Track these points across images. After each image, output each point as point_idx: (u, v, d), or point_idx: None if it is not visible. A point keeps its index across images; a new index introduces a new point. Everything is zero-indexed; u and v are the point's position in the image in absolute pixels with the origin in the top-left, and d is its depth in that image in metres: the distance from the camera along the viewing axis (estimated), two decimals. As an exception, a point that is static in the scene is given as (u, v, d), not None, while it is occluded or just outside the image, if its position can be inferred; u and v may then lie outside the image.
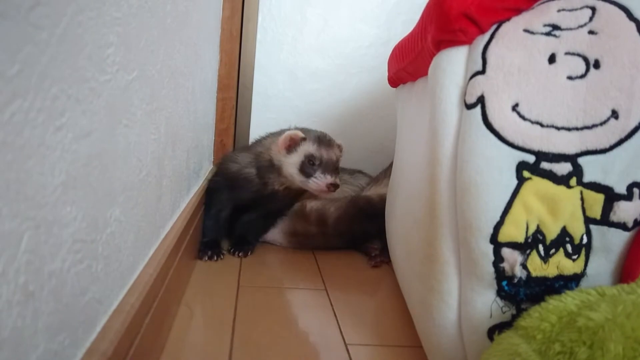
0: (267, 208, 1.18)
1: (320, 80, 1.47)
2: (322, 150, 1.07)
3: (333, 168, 1.07)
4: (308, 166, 1.05)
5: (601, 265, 0.59)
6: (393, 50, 0.99)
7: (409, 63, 0.86)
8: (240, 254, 1.12)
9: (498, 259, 0.59)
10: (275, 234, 1.22)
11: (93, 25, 0.39)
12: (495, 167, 0.57)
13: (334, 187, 1.03)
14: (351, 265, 1.15)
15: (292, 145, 1.07)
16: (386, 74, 1.06)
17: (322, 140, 1.09)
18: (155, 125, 0.65)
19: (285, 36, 1.43)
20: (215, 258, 1.09)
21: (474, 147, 0.58)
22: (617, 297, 0.50)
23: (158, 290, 0.66)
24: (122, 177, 0.51)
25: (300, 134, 1.07)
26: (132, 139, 0.54)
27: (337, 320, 0.85)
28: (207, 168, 1.34)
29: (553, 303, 0.53)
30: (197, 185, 1.15)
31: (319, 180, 1.03)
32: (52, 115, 0.33)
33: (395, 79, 1.03)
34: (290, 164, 1.07)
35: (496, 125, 0.56)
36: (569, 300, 0.53)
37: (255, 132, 1.47)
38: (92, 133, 0.41)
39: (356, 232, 1.21)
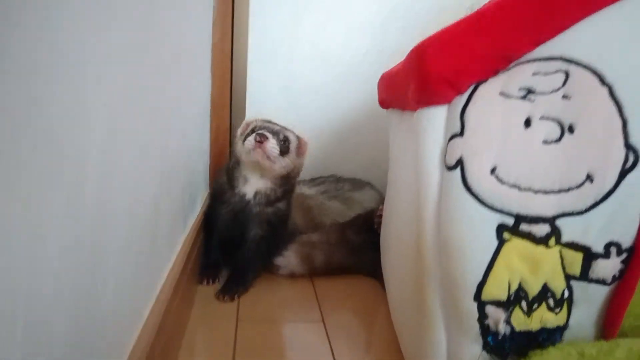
0: (249, 236, 1.15)
1: (314, 94, 1.47)
2: (262, 123, 1.11)
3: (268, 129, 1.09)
4: (248, 135, 1.07)
5: (583, 316, 0.61)
6: (381, 78, 0.99)
7: (396, 98, 0.86)
8: (225, 298, 1.05)
9: (482, 315, 0.60)
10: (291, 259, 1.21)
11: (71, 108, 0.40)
12: (476, 229, 0.58)
13: (259, 136, 1.04)
14: (350, 295, 1.16)
15: (245, 130, 1.12)
16: None
17: (269, 121, 1.13)
18: (148, 178, 0.67)
19: (277, 54, 1.43)
20: (212, 282, 1.11)
21: (455, 208, 0.59)
22: (596, 359, 0.52)
23: (159, 343, 0.68)
24: (114, 239, 0.53)
25: (254, 118, 1.11)
26: (122, 205, 0.56)
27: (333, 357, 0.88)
28: (203, 194, 1.35)
29: (534, 364, 0.55)
30: (193, 216, 1.17)
31: (250, 138, 1.05)
32: (43, 199, 0.35)
33: (385, 104, 1.03)
34: (239, 143, 1.10)
35: (475, 188, 0.57)
36: (549, 359, 0.55)
37: (251, 152, 1.48)
38: (80, 206, 0.42)
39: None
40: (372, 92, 1.47)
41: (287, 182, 1.16)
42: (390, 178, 1.06)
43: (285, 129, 1.15)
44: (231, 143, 1.47)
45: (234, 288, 1.09)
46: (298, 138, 1.15)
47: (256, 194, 1.14)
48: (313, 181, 1.47)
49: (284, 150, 1.09)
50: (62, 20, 0.38)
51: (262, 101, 1.45)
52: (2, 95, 0.29)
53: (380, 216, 1.15)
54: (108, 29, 0.49)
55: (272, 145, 1.05)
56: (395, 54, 1.43)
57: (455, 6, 1.39)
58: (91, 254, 0.47)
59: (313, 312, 1.05)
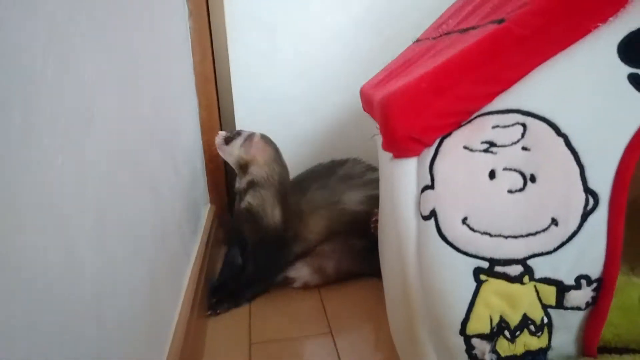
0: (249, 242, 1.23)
1: (298, 103, 1.50)
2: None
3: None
4: None
5: (564, 337, 0.65)
6: (361, 93, 1.00)
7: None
8: (209, 313, 1.13)
9: (469, 347, 0.65)
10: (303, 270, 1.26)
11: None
12: (454, 273, 0.62)
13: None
14: (357, 303, 1.21)
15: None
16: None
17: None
18: (143, 236, 0.71)
19: (260, 68, 1.45)
20: (217, 312, 1.15)
21: (434, 255, 0.63)
22: (574, 386, 0.57)
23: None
24: (113, 322, 0.58)
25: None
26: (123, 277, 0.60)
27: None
28: (204, 214, 1.40)
29: (519, 392, 0.60)
30: (196, 243, 1.21)
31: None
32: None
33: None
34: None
35: (450, 237, 0.61)
36: (532, 388, 0.59)
37: (245, 166, 1.51)
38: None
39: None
40: (352, 98, 1.49)
41: (245, 172, 1.25)
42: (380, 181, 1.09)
43: (249, 132, 1.27)
44: (225, 162, 1.50)
45: (223, 304, 1.17)
46: (250, 135, 1.25)
47: (236, 190, 1.26)
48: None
49: (227, 141, 1.24)
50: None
51: (250, 117, 1.48)
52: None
53: (376, 221, 1.18)
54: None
55: (219, 137, 1.24)
56: (370, 55, 1.45)
57: (427, 9, 1.40)
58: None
59: (322, 324, 1.11)
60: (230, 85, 1.45)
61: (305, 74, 1.47)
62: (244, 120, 1.48)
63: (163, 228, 0.86)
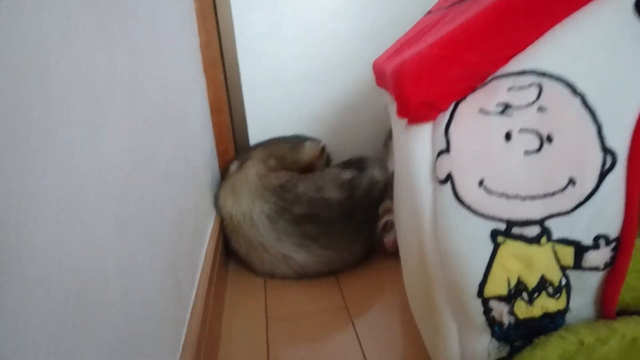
0: None
1: (306, 81, 1.50)
2: None
3: None
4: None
5: (582, 299, 0.66)
6: (374, 67, 0.99)
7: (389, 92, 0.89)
8: None
9: (487, 309, 0.65)
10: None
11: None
12: (471, 237, 0.62)
13: None
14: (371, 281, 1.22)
15: None
16: (367, 65, 1.07)
17: None
18: (158, 234, 0.72)
19: (266, 49, 1.44)
20: None
21: (450, 220, 0.63)
22: (593, 349, 0.57)
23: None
24: (136, 316, 0.59)
25: None
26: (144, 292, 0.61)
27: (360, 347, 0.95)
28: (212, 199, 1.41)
29: (538, 355, 0.61)
30: (210, 224, 1.22)
31: None
32: None
33: (382, 87, 1.05)
34: None
35: (466, 200, 0.61)
36: (552, 350, 0.60)
37: (255, 147, 1.51)
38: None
39: None
40: (360, 72, 1.50)
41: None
42: (395, 154, 1.09)
43: None
44: (235, 142, 1.51)
45: None
46: None
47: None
48: None
49: None
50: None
51: (258, 97, 1.48)
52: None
53: (384, 225, 1.19)
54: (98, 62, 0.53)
55: None
56: (376, 33, 1.45)
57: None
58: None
59: (337, 299, 1.12)
60: (238, 66, 1.45)
61: (312, 51, 1.47)
62: (252, 100, 1.48)
63: (179, 211, 0.87)
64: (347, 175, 1.26)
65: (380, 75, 0.90)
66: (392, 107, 0.91)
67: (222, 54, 1.42)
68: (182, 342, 0.76)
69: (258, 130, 1.51)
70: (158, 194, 0.72)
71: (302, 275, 1.19)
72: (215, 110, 1.46)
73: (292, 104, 1.49)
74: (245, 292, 1.18)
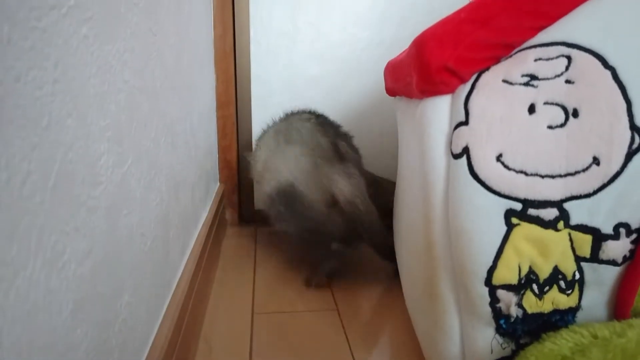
0: None
1: (317, 87, 1.48)
2: None
3: None
4: None
5: (595, 297, 0.61)
6: (387, 66, 0.99)
7: (402, 87, 0.86)
8: None
9: (494, 299, 0.61)
10: None
11: (83, 154, 0.41)
12: (484, 215, 0.59)
13: None
14: (363, 284, 1.18)
15: None
16: (382, 74, 1.06)
17: None
18: (156, 191, 0.68)
19: (280, 47, 1.43)
20: None
21: (463, 195, 0.59)
22: (609, 341, 0.53)
23: (176, 341, 0.70)
24: (128, 263, 0.54)
25: None
26: (134, 221, 0.57)
27: (349, 347, 0.89)
28: (213, 189, 1.37)
29: (548, 346, 0.56)
30: (205, 211, 1.18)
31: None
32: (55, 263, 0.36)
33: (392, 91, 1.03)
34: None
35: (482, 175, 0.58)
36: (563, 343, 0.55)
37: (258, 145, 1.48)
38: (93, 250, 0.44)
39: None
40: (373, 81, 1.48)
41: None
42: (399, 165, 1.07)
43: None
44: (238, 137, 1.48)
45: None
46: None
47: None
48: None
49: None
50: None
51: (266, 95, 1.46)
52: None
53: None
54: (111, 37, 0.50)
55: None
56: (394, 44, 1.44)
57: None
58: (106, 264, 0.48)
59: (328, 300, 1.07)
60: (249, 62, 1.43)
61: (325, 57, 1.45)
62: (260, 98, 1.46)
63: (177, 182, 0.83)
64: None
65: (393, 68, 0.89)
66: (399, 101, 0.89)
67: (234, 48, 1.41)
68: (151, 340, 0.70)
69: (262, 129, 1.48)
70: (163, 154, 0.69)
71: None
72: (222, 104, 1.44)
73: (300, 106, 1.47)
74: (233, 289, 1.12)
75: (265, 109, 1.47)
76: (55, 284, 0.36)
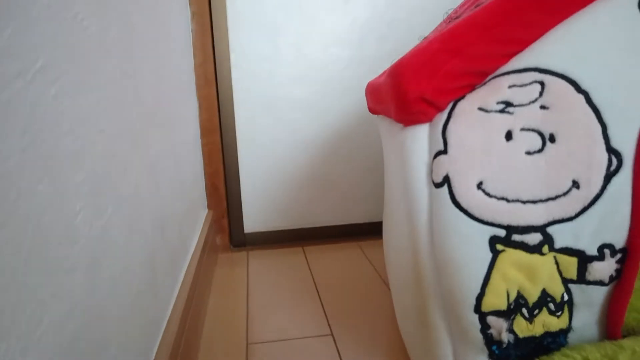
0: None
1: (301, 109, 1.48)
2: None
3: None
4: None
5: (585, 317, 0.61)
6: (367, 87, 0.99)
7: (382, 109, 0.86)
8: None
9: (485, 326, 0.61)
10: None
11: (57, 217, 0.41)
12: (469, 243, 0.59)
13: None
14: (358, 305, 1.17)
15: None
16: (363, 94, 1.06)
17: None
18: (141, 233, 0.67)
19: (261, 71, 1.43)
20: None
21: (447, 224, 0.59)
22: (599, 365, 0.52)
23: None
24: (113, 317, 0.53)
25: None
26: (118, 271, 0.56)
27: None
28: (202, 217, 1.36)
29: (540, 372, 0.56)
30: (194, 241, 1.17)
31: None
32: (32, 336, 0.35)
33: (374, 111, 1.03)
34: None
35: (464, 204, 0.58)
36: (554, 368, 0.55)
37: (245, 170, 1.48)
38: (74, 313, 0.43)
39: None
40: (356, 100, 1.49)
41: None
42: (385, 185, 1.07)
43: None
44: (224, 162, 1.47)
45: None
46: None
47: None
48: None
49: None
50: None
51: (250, 120, 1.46)
52: None
53: None
54: (84, 90, 0.49)
55: None
56: (374, 63, 1.45)
57: (429, 14, 1.40)
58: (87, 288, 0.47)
59: (322, 325, 1.06)
60: (232, 88, 1.43)
61: (307, 78, 1.46)
62: (244, 123, 1.46)
63: (163, 219, 0.82)
64: None
65: (373, 91, 0.89)
66: (382, 120, 0.89)
67: (216, 75, 1.41)
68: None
69: (249, 154, 1.48)
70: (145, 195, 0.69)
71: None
72: (206, 131, 1.43)
73: (285, 129, 1.47)
74: (226, 319, 1.11)
75: (250, 133, 1.47)
76: (33, 356, 0.36)
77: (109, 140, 0.56)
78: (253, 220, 1.53)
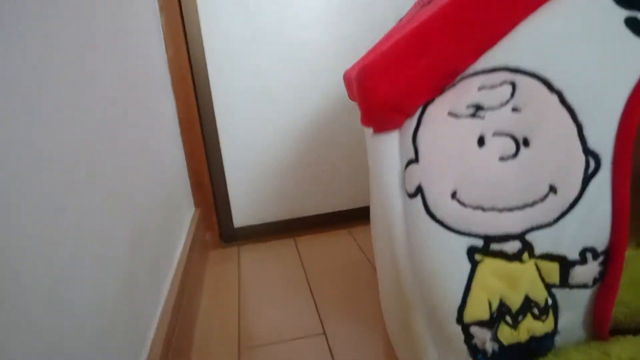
0: None
1: (282, 90, 1.43)
2: None
3: None
4: None
5: (571, 319, 0.59)
6: (344, 76, 0.95)
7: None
8: None
9: (468, 336, 0.59)
10: None
11: (7, 270, 0.38)
12: (446, 255, 0.56)
13: None
14: (351, 301, 1.16)
15: None
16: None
17: None
18: (115, 251, 0.65)
19: (239, 56, 1.38)
20: None
21: (423, 236, 0.57)
22: (585, 376, 0.51)
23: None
24: (85, 352, 0.52)
25: None
26: (86, 301, 0.54)
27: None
28: (188, 216, 1.34)
29: (525, 384, 0.54)
30: (180, 244, 1.15)
31: None
32: None
33: (353, 99, 1.00)
34: None
35: (439, 215, 0.55)
36: (540, 379, 0.53)
37: (229, 163, 1.45)
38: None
39: None
40: (339, 81, 1.44)
41: None
42: (369, 180, 1.04)
43: None
44: (207, 157, 1.44)
45: None
46: None
47: None
48: None
49: None
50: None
51: (230, 109, 1.42)
52: None
53: None
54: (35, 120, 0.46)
55: None
56: (357, 36, 1.40)
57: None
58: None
59: (315, 325, 1.05)
60: (208, 78, 1.39)
61: (286, 61, 1.41)
62: (224, 113, 1.42)
63: (141, 229, 0.80)
64: None
65: (349, 85, 0.85)
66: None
67: (191, 66, 1.36)
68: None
69: (232, 146, 1.44)
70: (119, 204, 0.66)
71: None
72: (186, 128, 1.40)
73: (268, 114, 1.42)
74: (217, 322, 1.10)
75: (231, 125, 1.43)
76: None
77: (66, 168, 0.53)
78: (242, 214, 1.50)
